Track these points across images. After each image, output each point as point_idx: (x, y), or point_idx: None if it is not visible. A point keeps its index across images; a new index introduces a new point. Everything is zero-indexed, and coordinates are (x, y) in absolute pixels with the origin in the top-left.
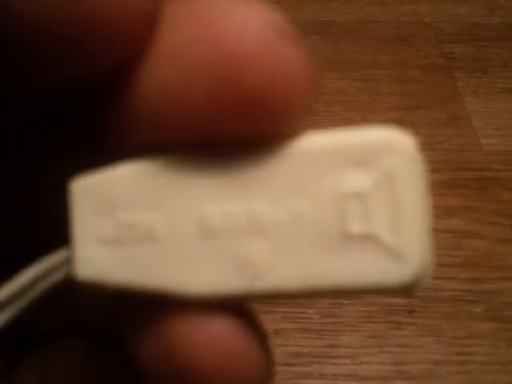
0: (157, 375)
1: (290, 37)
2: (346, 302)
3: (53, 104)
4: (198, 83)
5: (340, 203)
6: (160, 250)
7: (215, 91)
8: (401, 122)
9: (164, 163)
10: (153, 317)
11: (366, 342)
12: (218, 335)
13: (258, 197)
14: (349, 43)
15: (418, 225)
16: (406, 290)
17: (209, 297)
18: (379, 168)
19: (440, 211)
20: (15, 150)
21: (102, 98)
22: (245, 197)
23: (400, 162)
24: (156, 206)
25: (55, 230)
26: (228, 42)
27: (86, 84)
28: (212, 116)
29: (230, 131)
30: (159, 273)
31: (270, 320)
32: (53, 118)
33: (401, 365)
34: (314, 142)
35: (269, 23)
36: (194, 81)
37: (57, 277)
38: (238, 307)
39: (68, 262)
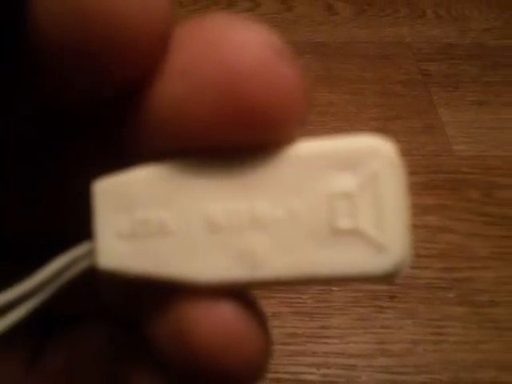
0: (169, 353)
1: (286, 55)
2: (336, 288)
3: (79, 113)
4: (204, 97)
5: (330, 202)
6: (172, 243)
7: (220, 104)
8: (383, 130)
9: (175, 167)
10: (165, 302)
11: (353, 323)
12: (222, 318)
13: (258, 196)
14: (337, 61)
15: (398, 221)
16: (388, 277)
17: (215, 284)
18: (364, 171)
19: (417, 209)
20: (44, 154)
21: (121, 109)
22: (246, 196)
23: (382, 165)
24: (168, 205)
25: (79, 226)
26: (231, 61)
27: (107, 97)
28: (217, 125)
29: (233, 138)
30: (171, 263)
31: (268, 304)
32: (79, 126)
33: (383, 344)
34: (307, 148)
35: (267, 43)
36: (202, 94)
37: (81, 267)
38: (240, 294)
39: (91, 253)
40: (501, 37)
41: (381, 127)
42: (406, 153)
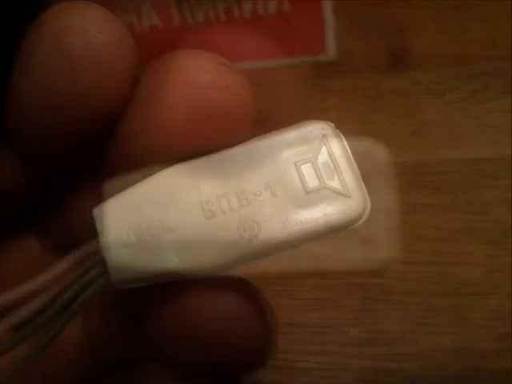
0: (175, 346)
1: (233, 69)
2: (331, 281)
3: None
4: (177, 113)
5: (298, 171)
6: (175, 239)
7: (193, 115)
8: (372, 133)
9: (163, 176)
10: (171, 296)
11: (347, 314)
12: (225, 308)
13: (240, 181)
14: None
15: (353, 173)
16: (359, 217)
17: (219, 265)
18: (316, 141)
19: (407, 207)
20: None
21: (106, 137)
22: (230, 183)
23: (328, 133)
24: (165, 207)
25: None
26: (194, 81)
27: (91, 129)
28: (193, 132)
29: (208, 140)
30: (177, 256)
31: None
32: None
33: (375, 333)
34: (268, 138)
35: (217, 62)
36: (174, 112)
37: (96, 286)
38: (242, 284)
39: (103, 273)
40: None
41: (370, 131)
42: (396, 155)
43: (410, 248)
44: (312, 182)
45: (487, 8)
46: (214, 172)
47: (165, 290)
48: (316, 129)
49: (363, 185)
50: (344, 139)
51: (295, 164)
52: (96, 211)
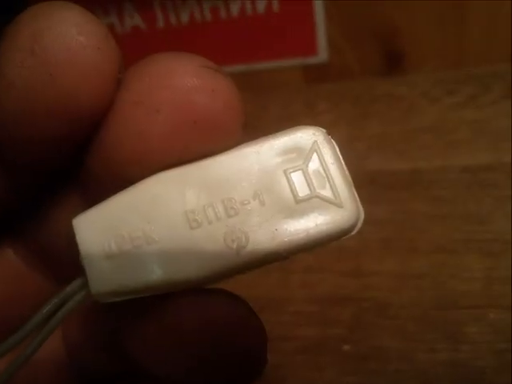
0: (158, 358)
1: (219, 72)
2: (321, 294)
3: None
4: (161, 119)
5: (287, 179)
6: (158, 250)
7: (177, 120)
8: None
9: (146, 185)
10: (155, 307)
11: (339, 329)
12: (215, 317)
13: (226, 190)
14: None
15: (345, 181)
16: (352, 228)
17: (205, 277)
18: (306, 147)
19: (402, 217)
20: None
21: (87, 144)
22: (216, 192)
23: (319, 139)
24: (149, 217)
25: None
26: (179, 84)
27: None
28: (177, 139)
29: (192, 147)
30: (160, 268)
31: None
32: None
33: (368, 349)
34: (255, 145)
35: (203, 66)
36: (157, 117)
37: (77, 300)
38: (232, 299)
39: (84, 285)
40: (483, 49)
41: (363, 137)
42: (390, 162)
43: (405, 260)
44: (302, 190)
45: (486, 7)
46: (199, 180)
47: (147, 301)
48: (306, 135)
49: (356, 194)
50: (336, 146)
51: (285, 172)
52: (75, 221)
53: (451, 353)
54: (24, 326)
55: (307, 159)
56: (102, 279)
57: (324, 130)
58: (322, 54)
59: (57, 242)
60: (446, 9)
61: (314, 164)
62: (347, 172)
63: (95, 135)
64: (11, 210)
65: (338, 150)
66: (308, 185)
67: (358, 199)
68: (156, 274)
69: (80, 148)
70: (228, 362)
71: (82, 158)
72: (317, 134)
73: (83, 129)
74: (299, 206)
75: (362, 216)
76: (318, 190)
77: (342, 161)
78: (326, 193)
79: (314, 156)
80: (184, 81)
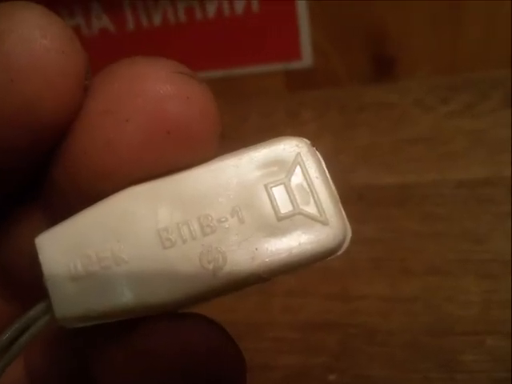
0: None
1: (193, 78)
2: (305, 318)
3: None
4: (131, 129)
5: (268, 195)
6: (128, 272)
7: (149, 129)
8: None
9: (115, 201)
10: (126, 331)
11: (324, 357)
12: (190, 341)
13: (202, 206)
14: None
15: (330, 197)
16: (339, 247)
17: (182, 299)
18: (288, 160)
19: (392, 235)
20: None
21: (51, 156)
22: (191, 209)
23: (302, 151)
24: (118, 236)
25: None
26: (151, 91)
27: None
28: (149, 149)
29: (165, 158)
30: (130, 291)
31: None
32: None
33: (355, 379)
34: (233, 157)
35: (176, 71)
36: (127, 127)
37: (40, 324)
38: (208, 324)
39: (48, 309)
40: (481, 53)
41: (351, 148)
42: (379, 176)
43: (395, 282)
44: (285, 206)
45: (484, 7)
46: (173, 195)
47: (116, 325)
48: (289, 146)
49: (343, 210)
50: (321, 158)
51: (265, 186)
52: (38, 239)
53: (446, 383)
54: None
55: (290, 173)
56: (67, 303)
57: (308, 142)
58: (306, 59)
59: (18, 262)
60: (440, 9)
61: (297, 178)
62: (333, 187)
63: (60, 146)
64: None
65: (323, 162)
66: (291, 200)
67: (344, 216)
68: (126, 297)
69: (44, 160)
70: None
71: (47, 171)
72: (300, 145)
73: (47, 139)
74: (281, 223)
75: (349, 234)
76: (301, 207)
77: (328, 174)
78: (310, 209)
79: (298, 169)
80: (156, 88)
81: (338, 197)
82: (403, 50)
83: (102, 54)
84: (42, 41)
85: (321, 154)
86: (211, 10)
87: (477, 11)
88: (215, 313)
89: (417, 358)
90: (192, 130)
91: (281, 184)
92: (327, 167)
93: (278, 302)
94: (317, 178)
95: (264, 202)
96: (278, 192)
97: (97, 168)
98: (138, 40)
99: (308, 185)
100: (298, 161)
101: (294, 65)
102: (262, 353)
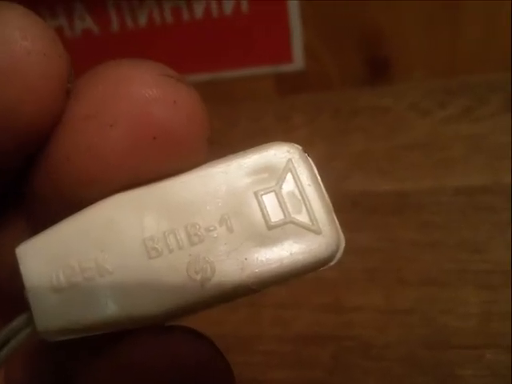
0: None
1: (180, 81)
2: (296, 331)
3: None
4: (116, 134)
5: (259, 203)
6: (114, 281)
7: (134, 133)
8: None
9: (99, 209)
10: (111, 344)
11: (317, 372)
12: (172, 357)
13: (190, 215)
14: None
15: (322, 205)
16: (332, 257)
17: (169, 311)
18: (279, 167)
19: (388, 245)
20: None
21: (32, 162)
22: (178, 217)
23: (293, 157)
24: (101, 245)
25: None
26: (136, 94)
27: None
28: (134, 154)
29: (151, 164)
30: (116, 301)
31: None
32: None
33: None
34: (222, 164)
35: (163, 74)
36: (112, 132)
37: (21, 337)
38: (195, 337)
39: (29, 322)
40: (479, 55)
41: (344, 154)
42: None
43: (392, 293)
44: (275, 215)
45: (483, 8)
46: (159, 203)
47: (100, 338)
48: (280, 152)
49: (336, 219)
50: (313, 164)
51: (256, 194)
52: (19, 249)
53: None
54: None
55: (281, 180)
56: (49, 315)
57: (300, 147)
58: (298, 61)
59: None
60: (437, 9)
61: (288, 185)
62: (326, 194)
63: (42, 152)
64: None
65: (315, 169)
66: (282, 209)
67: (338, 225)
68: (110, 309)
69: (25, 166)
70: None
71: (28, 178)
72: (291, 151)
73: (28, 145)
74: (272, 232)
75: (343, 244)
76: (292, 215)
77: (320, 182)
78: (302, 218)
79: (289, 176)
80: (142, 91)
81: (331, 205)
82: (398, 52)
83: (85, 56)
84: (23, 42)
85: (313, 160)
86: (199, 10)
87: (475, 11)
88: (203, 325)
89: (414, 373)
90: (179, 135)
91: (271, 191)
92: (320, 174)
93: (269, 313)
94: (309, 185)
95: (254, 210)
96: (269, 200)
97: (80, 174)
98: (123, 41)
99: (300, 192)
100: (289, 167)
101: (285, 67)
102: (252, 367)
